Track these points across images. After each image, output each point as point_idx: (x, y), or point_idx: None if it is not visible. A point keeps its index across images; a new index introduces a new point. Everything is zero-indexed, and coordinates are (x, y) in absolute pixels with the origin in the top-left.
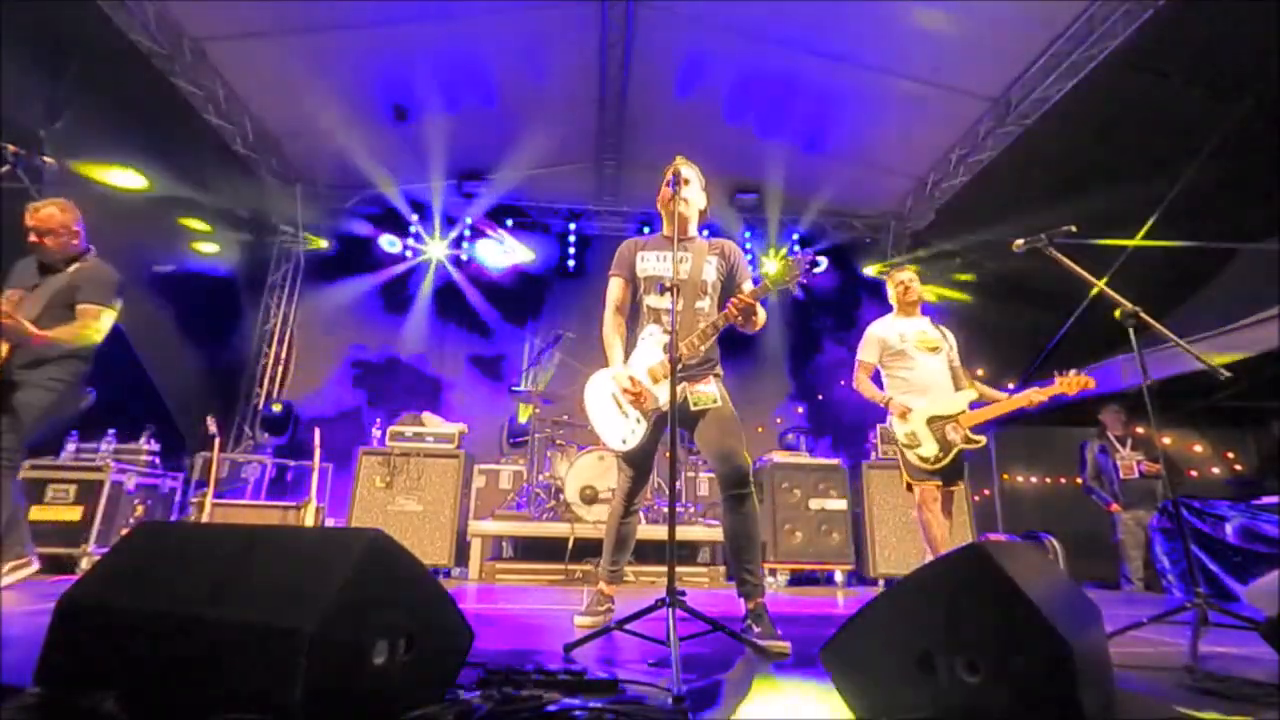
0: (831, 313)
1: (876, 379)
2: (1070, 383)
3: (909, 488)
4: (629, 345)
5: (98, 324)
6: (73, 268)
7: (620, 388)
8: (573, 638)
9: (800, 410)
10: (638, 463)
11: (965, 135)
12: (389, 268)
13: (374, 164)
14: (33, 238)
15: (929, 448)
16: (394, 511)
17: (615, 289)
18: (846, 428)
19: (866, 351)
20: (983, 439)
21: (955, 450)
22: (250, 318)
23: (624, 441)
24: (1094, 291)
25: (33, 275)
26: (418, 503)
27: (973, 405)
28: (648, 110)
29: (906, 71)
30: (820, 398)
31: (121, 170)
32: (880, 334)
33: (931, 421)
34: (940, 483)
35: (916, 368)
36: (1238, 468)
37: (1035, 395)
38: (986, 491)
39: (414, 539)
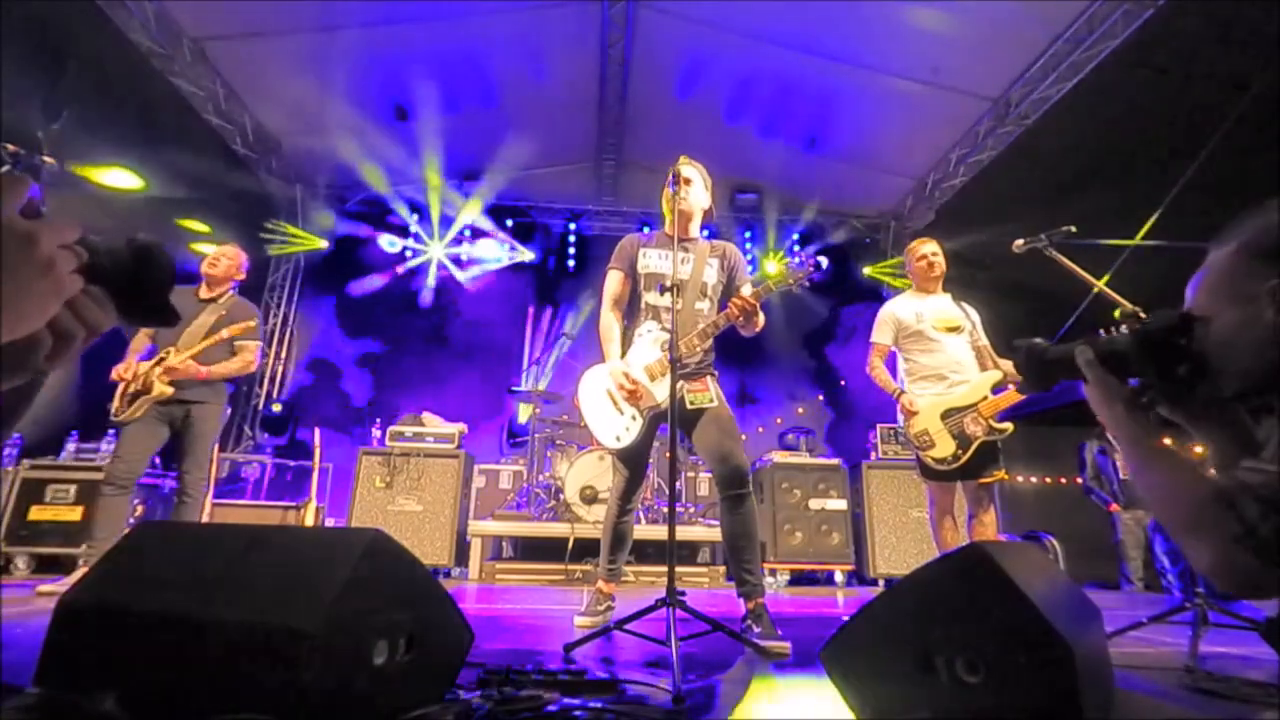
0: (830, 312)
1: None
2: None
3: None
4: (626, 341)
5: (254, 357)
6: (224, 300)
7: (616, 384)
8: (573, 638)
9: (801, 411)
10: (632, 461)
11: (965, 135)
12: (389, 268)
13: (374, 164)
14: (206, 268)
15: (943, 447)
16: (394, 511)
17: (614, 283)
18: (846, 428)
19: (880, 333)
20: (1008, 426)
21: (976, 444)
22: None
23: (618, 439)
24: (1094, 291)
25: (191, 302)
26: (418, 503)
27: (998, 390)
28: (648, 110)
29: (906, 71)
30: (820, 398)
31: (121, 170)
32: (895, 313)
33: (947, 415)
34: (957, 482)
35: (936, 350)
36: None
37: None
38: None
39: (414, 539)
